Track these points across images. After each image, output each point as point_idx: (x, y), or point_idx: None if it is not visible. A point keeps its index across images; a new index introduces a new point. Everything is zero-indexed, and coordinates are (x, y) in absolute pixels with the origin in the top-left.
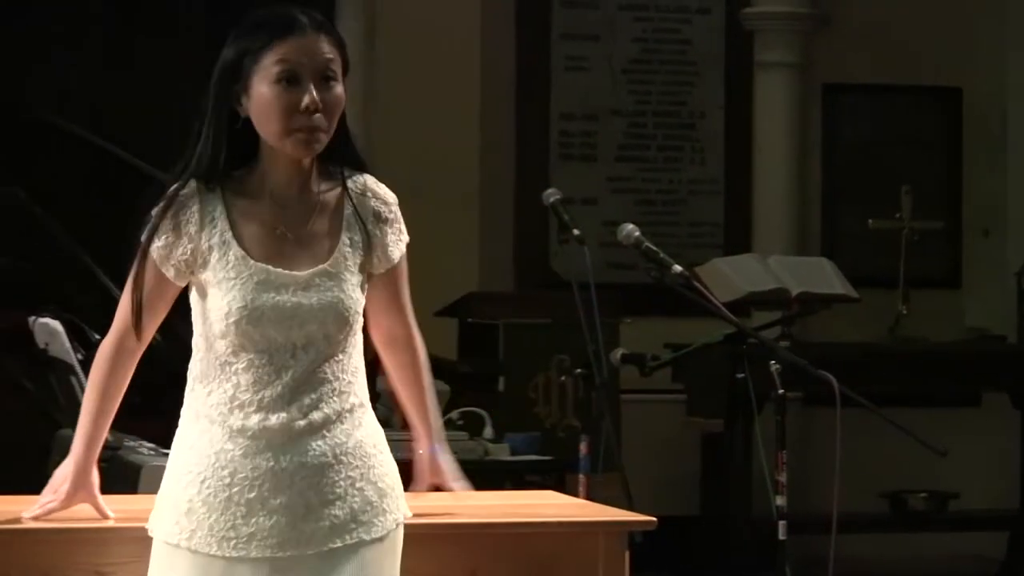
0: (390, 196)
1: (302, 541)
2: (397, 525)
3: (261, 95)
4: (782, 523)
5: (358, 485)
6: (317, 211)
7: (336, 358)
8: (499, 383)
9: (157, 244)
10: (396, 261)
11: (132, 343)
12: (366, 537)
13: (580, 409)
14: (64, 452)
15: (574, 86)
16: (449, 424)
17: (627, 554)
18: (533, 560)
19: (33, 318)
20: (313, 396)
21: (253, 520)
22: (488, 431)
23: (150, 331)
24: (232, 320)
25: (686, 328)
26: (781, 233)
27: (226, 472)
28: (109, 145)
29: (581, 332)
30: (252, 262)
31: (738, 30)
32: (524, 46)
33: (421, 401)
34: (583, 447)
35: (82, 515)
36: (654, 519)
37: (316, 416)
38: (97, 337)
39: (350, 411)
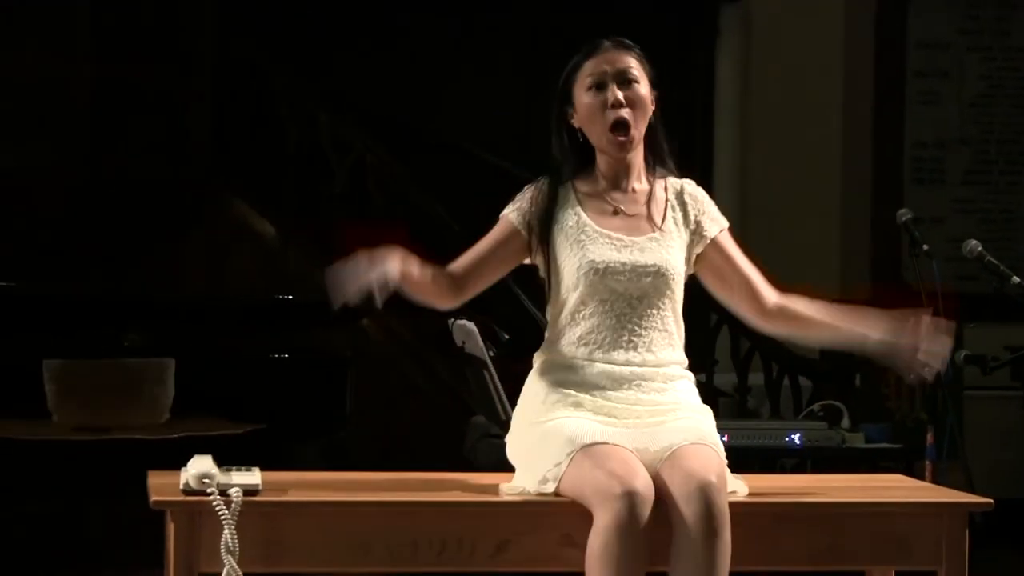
0: (699, 193)
1: None
2: None
3: (581, 105)
4: None
5: None
6: (643, 200)
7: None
8: (855, 379)
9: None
10: (714, 235)
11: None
12: None
13: (927, 403)
14: (477, 436)
15: (926, 118)
16: (810, 415)
17: (967, 532)
18: (882, 536)
19: (452, 320)
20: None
21: None
22: (845, 421)
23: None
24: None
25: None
26: None
27: None
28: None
29: None
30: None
31: None
32: (882, 82)
33: (839, 313)
34: (929, 437)
35: (488, 491)
36: (991, 501)
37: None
38: (507, 336)
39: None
